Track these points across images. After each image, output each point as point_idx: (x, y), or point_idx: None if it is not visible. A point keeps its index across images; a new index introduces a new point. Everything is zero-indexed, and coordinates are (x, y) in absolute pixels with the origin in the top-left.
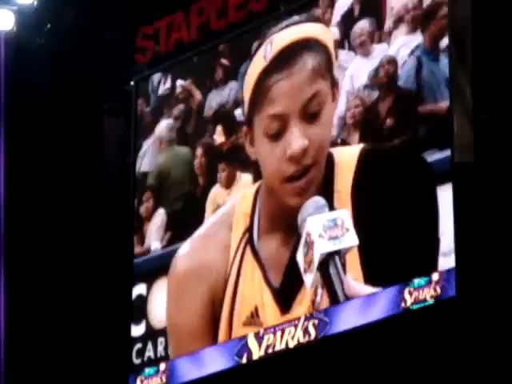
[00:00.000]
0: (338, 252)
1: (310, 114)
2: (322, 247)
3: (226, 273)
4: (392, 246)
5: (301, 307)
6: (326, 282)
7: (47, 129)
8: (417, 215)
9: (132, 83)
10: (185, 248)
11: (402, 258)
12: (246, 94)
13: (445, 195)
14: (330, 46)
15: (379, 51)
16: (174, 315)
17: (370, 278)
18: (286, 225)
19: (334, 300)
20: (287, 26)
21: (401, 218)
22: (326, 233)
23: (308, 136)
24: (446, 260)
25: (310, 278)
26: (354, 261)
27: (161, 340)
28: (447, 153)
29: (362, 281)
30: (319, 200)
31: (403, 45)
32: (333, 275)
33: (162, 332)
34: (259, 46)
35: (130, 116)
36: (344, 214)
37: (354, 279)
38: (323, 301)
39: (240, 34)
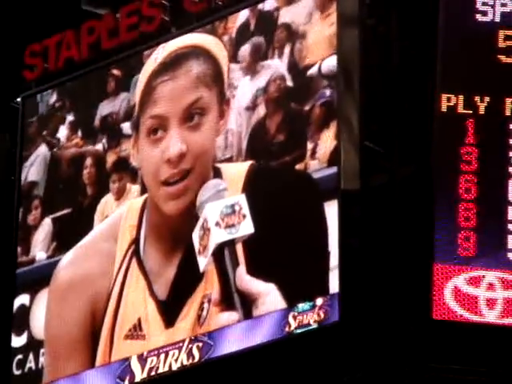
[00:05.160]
0: (232, 241)
1: (190, 120)
2: (217, 237)
3: (109, 284)
4: (277, 268)
5: (186, 321)
6: (220, 269)
7: None
8: (304, 232)
9: (19, 100)
10: (67, 258)
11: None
12: (136, 99)
13: (332, 211)
14: (222, 62)
15: (268, 68)
16: (53, 327)
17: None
18: (170, 237)
19: (226, 293)
20: (181, 34)
21: (288, 235)
22: (222, 220)
23: (187, 142)
24: (334, 277)
25: (203, 262)
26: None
27: (43, 351)
28: (334, 170)
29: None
30: (220, 183)
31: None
32: (227, 264)
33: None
34: (153, 50)
35: (15, 132)
36: (242, 199)
37: (246, 271)
38: (209, 315)
39: (131, 54)
